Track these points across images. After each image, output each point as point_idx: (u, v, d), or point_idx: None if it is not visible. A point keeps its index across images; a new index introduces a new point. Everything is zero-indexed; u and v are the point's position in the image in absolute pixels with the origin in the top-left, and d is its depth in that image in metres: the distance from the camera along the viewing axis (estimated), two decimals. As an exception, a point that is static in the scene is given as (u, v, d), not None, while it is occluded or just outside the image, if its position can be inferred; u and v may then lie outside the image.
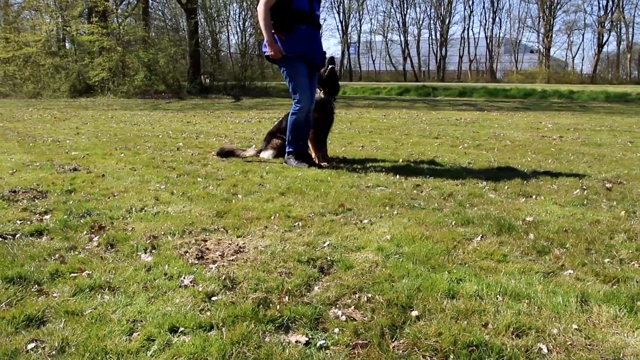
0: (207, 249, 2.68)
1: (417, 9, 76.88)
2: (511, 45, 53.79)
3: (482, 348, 1.70)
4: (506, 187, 4.28)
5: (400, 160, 5.63)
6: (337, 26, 74.97)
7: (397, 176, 4.64)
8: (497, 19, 60.81)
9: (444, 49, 53.46)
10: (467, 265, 2.48)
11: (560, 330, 1.86)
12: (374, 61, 58.14)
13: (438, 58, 53.85)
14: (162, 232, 2.95)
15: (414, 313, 1.96)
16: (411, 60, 54.73)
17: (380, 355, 1.67)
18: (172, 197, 3.84)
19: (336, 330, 1.84)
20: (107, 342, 1.76)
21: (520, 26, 57.45)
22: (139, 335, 1.80)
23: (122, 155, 5.91)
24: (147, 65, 21.72)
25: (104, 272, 2.36)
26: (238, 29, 30.73)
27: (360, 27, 75.56)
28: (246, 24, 28.64)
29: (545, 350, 1.73)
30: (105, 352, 1.70)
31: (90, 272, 2.37)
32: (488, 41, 52.63)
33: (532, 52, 55.90)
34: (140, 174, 4.76)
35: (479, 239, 2.90)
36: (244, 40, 28.22)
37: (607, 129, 9.64)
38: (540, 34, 50.25)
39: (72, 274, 2.35)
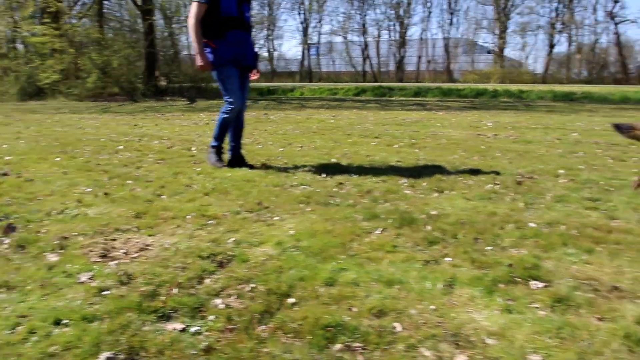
0: (113, 247, 2.79)
1: (377, 10, 77.61)
2: (468, 45, 55.06)
3: (338, 328, 1.88)
4: (424, 184, 4.51)
5: (333, 159, 5.82)
6: (298, 27, 75.11)
7: (324, 175, 4.82)
8: (454, 20, 62.22)
9: (402, 50, 54.26)
10: (356, 256, 2.67)
11: (419, 311, 2.05)
12: (334, 62, 58.50)
13: (397, 59, 54.60)
14: (75, 233, 3.04)
15: (291, 300, 2.13)
16: (370, 61, 55.34)
17: (245, 338, 1.83)
18: (95, 200, 3.91)
19: (212, 317, 1.99)
20: (-8, 336, 1.85)
21: (477, 27, 58.89)
22: (22, 328, 1.90)
23: (58, 159, 5.90)
24: (101, 67, 21.37)
25: (6, 272, 2.45)
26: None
27: (321, 28, 75.90)
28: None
29: (398, 329, 1.92)
30: (-13, 345, 1.80)
31: (-8, 273, 2.44)
32: (445, 42, 53.69)
33: (489, 52, 57.28)
34: (70, 177, 4.79)
35: (379, 232, 3.10)
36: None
37: (542, 126, 10.08)
38: (495, 35, 51.57)
39: (-26, 275, 2.42)
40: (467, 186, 4.45)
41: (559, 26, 50.18)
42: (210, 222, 3.29)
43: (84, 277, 2.35)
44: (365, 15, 56.78)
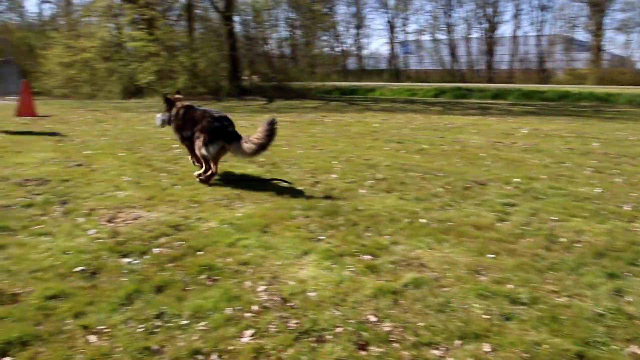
0: (118, 215, 4.27)
1: (466, 7, 75.97)
2: (563, 43, 52.74)
3: (208, 267, 3.18)
4: (383, 184, 5.61)
5: (334, 162, 7.00)
6: (385, 26, 75.42)
7: (309, 175, 6.06)
8: (547, 17, 59.68)
9: (492, 48, 53.18)
10: (268, 232, 3.92)
11: (269, 263, 3.29)
12: (422, 61, 58.56)
13: (486, 58, 53.62)
14: (100, 207, 4.57)
15: (199, 253, 3.46)
16: (459, 60, 54.79)
17: (159, 269, 3.19)
18: (128, 186, 5.46)
19: (148, 257, 3.37)
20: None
21: (571, 24, 56.09)
22: (50, 253, 3.39)
23: (122, 154, 7.63)
24: (189, 69, 23.86)
25: (51, 226, 3.99)
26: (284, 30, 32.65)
27: (408, 27, 75.48)
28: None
29: (248, 271, 3.17)
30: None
31: (42, 226, 4.01)
32: (538, 40, 51.90)
33: (587, 50, 54.42)
34: (122, 169, 6.43)
35: (301, 218, 4.32)
36: (282, 42, 30.03)
37: (576, 135, 10.30)
38: (591, 33, 48.98)
39: (33, 227, 3.99)
40: (418, 188, 5.48)
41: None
42: (193, 205, 4.69)
43: (91, 232, 3.83)
44: (452, 13, 56.07)
